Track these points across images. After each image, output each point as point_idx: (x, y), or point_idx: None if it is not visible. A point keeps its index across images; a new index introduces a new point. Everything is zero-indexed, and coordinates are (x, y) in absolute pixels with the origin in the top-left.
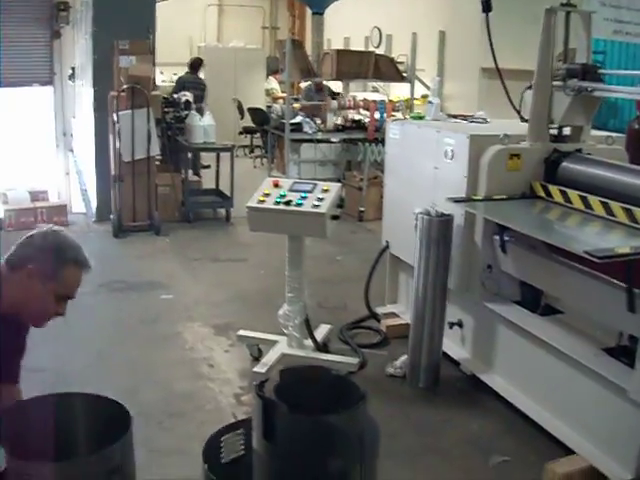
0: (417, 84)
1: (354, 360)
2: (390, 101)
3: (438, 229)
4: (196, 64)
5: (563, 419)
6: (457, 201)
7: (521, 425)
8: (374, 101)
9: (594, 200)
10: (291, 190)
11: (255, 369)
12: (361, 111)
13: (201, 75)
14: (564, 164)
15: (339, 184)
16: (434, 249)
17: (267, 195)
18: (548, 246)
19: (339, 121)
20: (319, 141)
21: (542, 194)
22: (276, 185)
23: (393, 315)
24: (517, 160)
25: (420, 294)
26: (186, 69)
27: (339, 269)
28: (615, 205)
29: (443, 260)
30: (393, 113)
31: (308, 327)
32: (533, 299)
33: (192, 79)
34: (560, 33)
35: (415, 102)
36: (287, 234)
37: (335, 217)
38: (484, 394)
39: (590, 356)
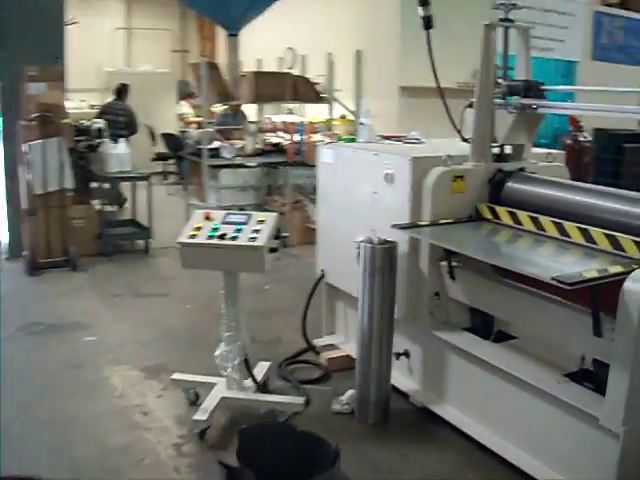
0: (335, 105)
1: (299, 399)
2: (310, 123)
3: (382, 257)
4: (122, 90)
5: (526, 449)
6: (403, 227)
7: (480, 456)
8: (293, 123)
9: (546, 221)
10: (224, 222)
11: (195, 417)
12: (279, 134)
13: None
14: (509, 184)
15: (275, 214)
16: (379, 278)
17: (199, 229)
18: (500, 270)
19: (258, 145)
20: (238, 166)
21: (489, 216)
22: (207, 217)
23: (332, 347)
24: (461, 182)
25: (365, 326)
26: (96, 95)
27: (269, 299)
28: (569, 225)
29: (389, 289)
30: (312, 135)
31: (247, 367)
32: (484, 325)
33: (118, 106)
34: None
35: (334, 123)
36: (223, 270)
37: (273, 250)
38: (437, 426)
39: (553, 383)
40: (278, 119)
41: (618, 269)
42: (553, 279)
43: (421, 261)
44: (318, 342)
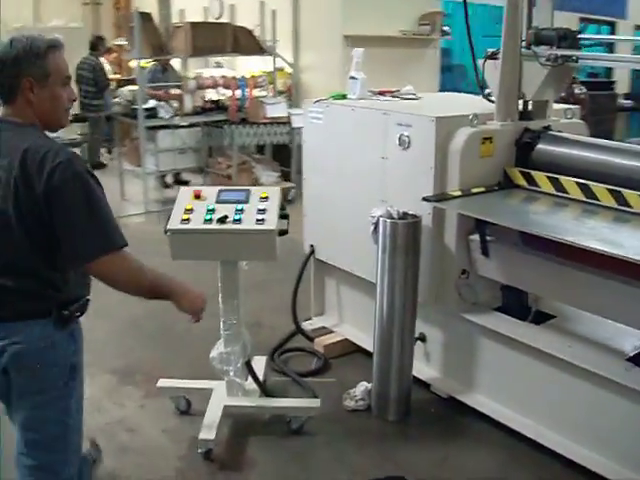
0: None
1: (314, 402)
2: (252, 77)
3: (405, 234)
4: (95, 43)
5: (584, 443)
6: (436, 200)
7: (525, 451)
8: (234, 78)
9: (598, 188)
10: (219, 201)
11: (202, 436)
12: (219, 90)
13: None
14: (540, 146)
15: (277, 188)
16: (401, 258)
17: (190, 211)
18: (540, 244)
19: (198, 103)
20: (177, 127)
21: (522, 182)
22: (197, 196)
23: (324, 330)
24: (489, 144)
25: (385, 313)
26: None
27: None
28: (630, 193)
29: (412, 270)
30: (255, 90)
31: (251, 370)
32: (519, 305)
33: (88, 61)
34: None
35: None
36: (224, 259)
37: (283, 232)
38: (467, 418)
39: (618, 370)
40: (207, 73)
41: None
42: None
43: (447, 236)
44: (308, 325)
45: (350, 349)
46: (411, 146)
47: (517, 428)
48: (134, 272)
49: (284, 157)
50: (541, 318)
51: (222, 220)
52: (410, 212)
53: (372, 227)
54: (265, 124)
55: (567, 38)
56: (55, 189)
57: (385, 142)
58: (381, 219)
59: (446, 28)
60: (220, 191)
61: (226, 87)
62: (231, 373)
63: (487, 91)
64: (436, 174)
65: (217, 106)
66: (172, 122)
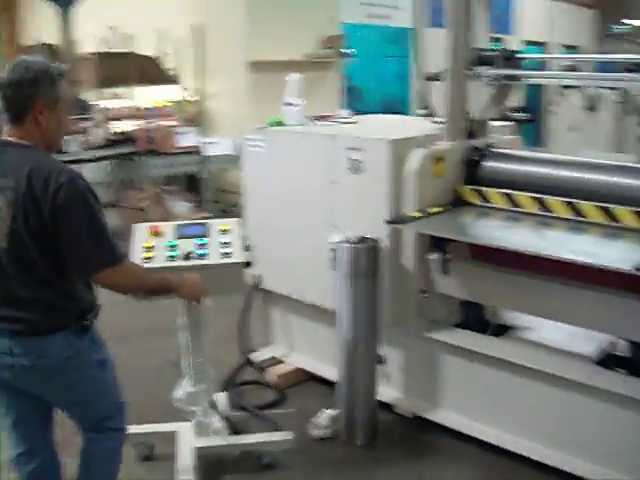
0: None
1: (286, 435)
2: (159, 106)
3: (367, 258)
4: None
5: (560, 448)
6: (400, 222)
7: (499, 461)
8: (142, 108)
9: (553, 201)
10: (180, 237)
11: None
12: (127, 121)
13: None
14: (488, 163)
15: (237, 219)
16: (363, 282)
17: (151, 249)
18: (506, 258)
19: (105, 135)
20: (88, 160)
21: (475, 200)
22: (156, 233)
23: (274, 360)
24: (441, 164)
25: (349, 338)
26: None
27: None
28: (585, 204)
29: (373, 293)
30: (163, 119)
31: (217, 408)
32: (478, 320)
33: None
34: None
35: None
36: None
37: (248, 264)
38: (434, 435)
39: (589, 373)
40: (110, 105)
41: None
42: (637, 269)
43: (405, 257)
44: (256, 357)
45: (303, 378)
46: (363, 170)
47: (488, 439)
48: (136, 279)
49: (196, 187)
50: (501, 330)
51: (187, 256)
52: (367, 236)
53: (331, 253)
54: (176, 154)
55: (509, 58)
56: (60, 208)
57: (334, 167)
58: (341, 245)
59: (349, 51)
60: (178, 226)
61: (134, 118)
62: (199, 413)
63: (418, 111)
64: (391, 196)
65: (126, 138)
66: (79, 156)
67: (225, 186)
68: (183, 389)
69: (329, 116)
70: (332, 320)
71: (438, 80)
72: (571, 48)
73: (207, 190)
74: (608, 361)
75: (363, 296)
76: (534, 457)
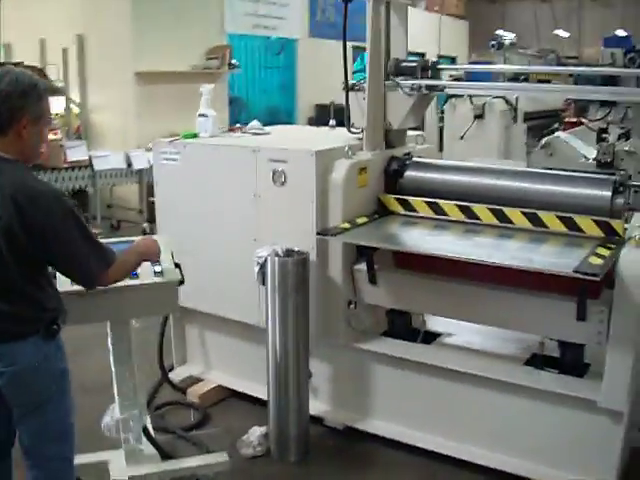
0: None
1: (221, 457)
2: None
3: (296, 271)
4: None
5: (492, 447)
6: (332, 234)
7: (435, 465)
8: None
9: (480, 208)
10: None
11: None
12: None
13: None
14: (409, 172)
15: (167, 236)
16: (292, 296)
17: None
18: (437, 266)
19: None
20: None
21: (398, 209)
22: None
23: (193, 379)
24: (365, 174)
25: (279, 354)
26: None
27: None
28: (511, 210)
29: (303, 307)
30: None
31: (148, 434)
32: (405, 328)
33: None
34: None
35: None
36: (120, 319)
37: (180, 282)
38: (368, 445)
39: (520, 374)
40: None
41: (607, 252)
42: (576, 271)
43: (332, 269)
44: (173, 376)
45: (224, 395)
46: (287, 182)
47: (423, 446)
48: (125, 268)
49: (85, 202)
50: (430, 337)
51: None
52: (295, 249)
53: (258, 268)
54: (66, 169)
55: (428, 69)
56: (50, 226)
57: (256, 179)
58: (269, 258)
59: (234, 61)
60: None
61: None
62: (131, 440)
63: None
64: (317, 208)
65: None
66: None
67: (113, 201)
68: (111, 416)
69: (240, 127)
70: (254, 335)
71: (356, 90)
72: (451, 59)
73: (97, 206)
74: (537, 361)
75: (293, 310)
76: (471, 459)
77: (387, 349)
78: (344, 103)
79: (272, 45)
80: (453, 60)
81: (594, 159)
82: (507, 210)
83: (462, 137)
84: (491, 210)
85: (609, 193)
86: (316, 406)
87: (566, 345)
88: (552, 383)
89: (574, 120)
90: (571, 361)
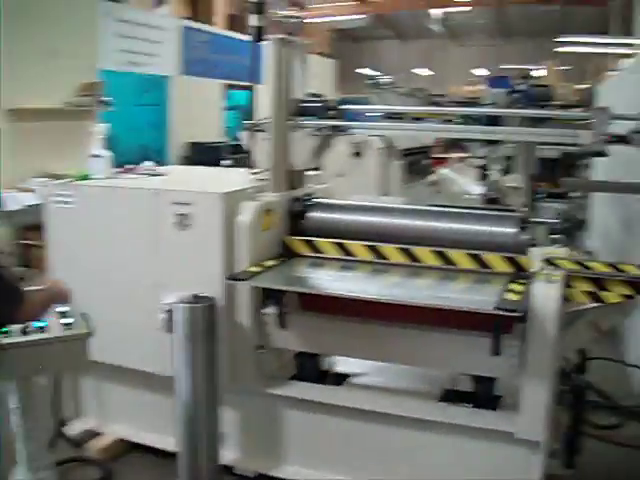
0: None
1: None
2: None
3: (205, 318)
4: None
5: None
6: (241, 279)
7: None
8: None
9: (389, 248)
10: None
11: None
12: None
13: None
14: (313, 213)
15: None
16: (202, 343)
17: None
18: (344, 307)
19: None
20: None
21: (304, 250)
22: None
23: (91, 433)
24: (271, 216)
25: (190, 405)
26: None
27: None
28: (421, 250)
29: (213, 354)
30: None
31: None
32: (314, 370)
33: None
34: None
35: None
36: (26, 376)
37: (89, 334)
38: None
39: (438, 410)
40: None
41: (520, 287)
42: (497, 308)
43: (239, 314)
44: (67, 431)
45: (126, 448)
46: (192, 225)
47: None
48: (40, 307)
49: None
50: (340, 379)
51: (25, 330)
52: (202, 294)
53: (164, 315)
54: None
55: (331, 109)
56: None
57: (158, 223)
58: (176, 305)
59: (106, 98)
60: None
61: None
62: None
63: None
64: (224, 251)
65: None
66: None
67: None
68: (18, 477)
69: (133, 168)
70: (157, 385)
71: (258, 131)
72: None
73: None
74: (451, 397)
75: (202, 357)
76: None
77: (297, 392)
78: (243, 143)
79: (144, 82)
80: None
81: (480, 195)
82: (415, 249)
83: (340, 174)
84: (399, 249)
85: (514, 230)
86: (226, 455)
87: (479, 379)
88: (469, 418)
89: (442, 156)
90: (484, 395)
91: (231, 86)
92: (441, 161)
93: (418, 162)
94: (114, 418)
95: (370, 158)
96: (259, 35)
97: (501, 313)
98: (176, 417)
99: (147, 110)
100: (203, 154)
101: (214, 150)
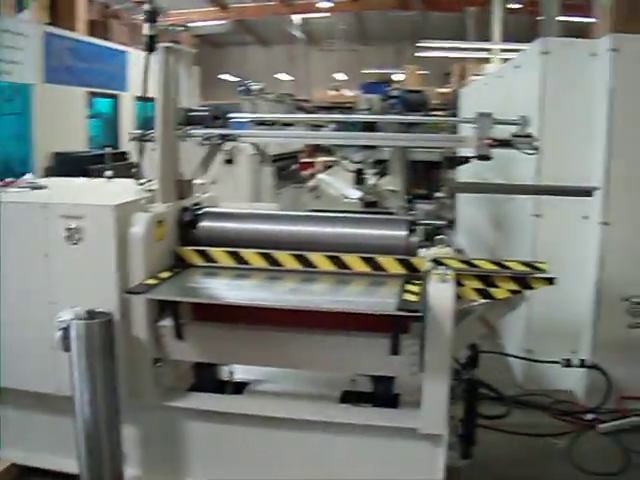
0: None
1: None
2: None
3: (102, 334)
4: None
5: None
6: (138, 292)
7: None
8: None
9: (282, 255)
10: None
11: None
12: None
13: None
14: (203, 223)
15: None
16: (100, 360)
17: None
18: (239, 315)
19: None
20: None
21: (197, 260)
22: None
23: None
24: (162, 227)
25: (90, 422)
26: None
27: None
28: (316, 255)
29: (112, 369)
30: None
31: None
32: (213, 380)
33: None
34: None
35: None
36: None
37: None
38: None
39: (340, 412)
40: None
41: (417, 288)
42: (399, 309)
43: (136, 328)
44: None
45: (18, 473)
46: (84, 239)
47: None
48: None
49: None
50: (239, 387)
51: None
52: (98, 310)
53: (60, 333)
54: None
55: (219, 118)
56: None
57: (47, 238)
58: (73, 322)
59: None
60: None
61: None
62: None
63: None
64: (118, 265)
65: None
66: None
67: None
68: None
69: (12, 181)
70: (51, 405)
71: (145, 141)
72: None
73: None
74: (352, 398)
75: (101, 374)
76: None
77: (196, 404)
78: (135, 153)
79: (5, 91)
80: None
81: (358, 199)
82: (309, 254)
83: (214, 182)
84: (293, 255)
85: (405, 232)
86: (128, 472)
87: (378, 379)
88: (371, 417)
89: (309, 161)
90: (384, 394)
91: (94, 94)
92: (308, 166)
93: (288, 167)
94: (5, 442)
95: (242, 165)
96: (152, 44)
97: (404, 314)
98: (77, 437)
99: (9, 120)
100: (68, 165)
101: (79, 160)
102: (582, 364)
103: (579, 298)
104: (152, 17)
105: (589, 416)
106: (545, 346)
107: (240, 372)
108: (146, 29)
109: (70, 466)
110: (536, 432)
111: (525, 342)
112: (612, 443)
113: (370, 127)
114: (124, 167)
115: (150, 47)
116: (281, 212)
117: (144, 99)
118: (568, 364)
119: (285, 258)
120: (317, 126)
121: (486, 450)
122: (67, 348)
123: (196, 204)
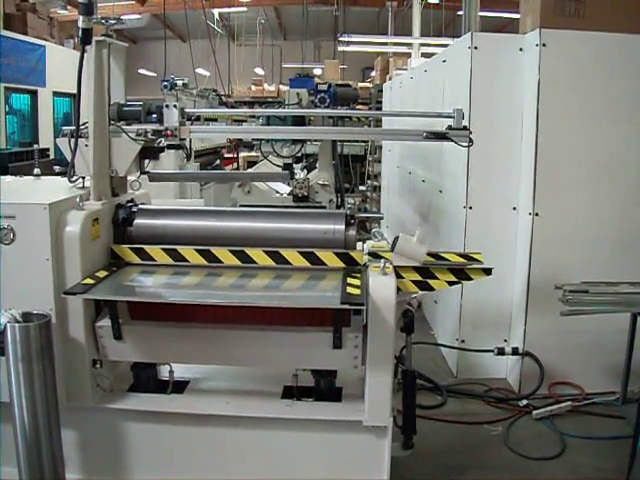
0: None
1: None
2: None
3: (40, 337)
4: None
5: None
6: (77, 292)
7: None
8: None
9: (221, 251)
10: None
11: None
12: None
13: None
14: (139, 220)
15: None
16: (38, 364)
17: None
18: (176, 314)
19: None
20: None
21: (134, 258)
22: None
23: None
24: (97, 225)
25: (29, 428)
26: None
27: None
28: (254, 251)
29: (51, 373)
30: None
31: None
32: (153, 380)
33: None
34: None
35: None
36: None
37: None
38: None
39: (282, 407)
40: None
41: (358, 282)
42: (344, 303)
43: (73, 329)
44: None
45: None
46: (16, 239)
47: None
48: None
49: None
50: (180, 386)
51: None
52: (34, 312)
53: None
54: None
55: (153, 113)
56: None
57: None
58: (9, 326)
59: None
60: None
61: None
62: None
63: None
64: (54, 265)
65: None
66: None
67: None
68: None
69: None
70: None
71: (78, 137)
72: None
73: None
74: (293, 393)
75: (39, 378)
76: None
77: (135, 404)
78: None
79: None
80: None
81: (289, 194)
82: (248, 250)
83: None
84: (232, 251)
85: (343, 226)
86: (69, 477)
87: (320, 374)
88: (316, 411)
89: (231, 156)
90: (326, 388)
91: (11, 89)
92: (230, 161)
93: (212, 163)
94: None
95: (167, 160)
96: (87, 38)
97: (349, 307)
98: (16, 444)
99: None
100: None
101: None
102: (514, 352)
103: (510, 287)
104: (87, 10)
105: (523, 402)
106: (478, 335)
107: (180, 371)
108: (81, 22)
109: (11, 474)
110: (473, 420)
111: (458, 332)
112: (547, 428)
113: (300, 121)
114: (45, 164)
115: (85, 40)
116: (219, 208)
117: (64, 94)
118: (501, 352)
119: (224, 254)
120: (239, 121)
121: (425, 440)
122: (2, 352)
123: (130, 201)
